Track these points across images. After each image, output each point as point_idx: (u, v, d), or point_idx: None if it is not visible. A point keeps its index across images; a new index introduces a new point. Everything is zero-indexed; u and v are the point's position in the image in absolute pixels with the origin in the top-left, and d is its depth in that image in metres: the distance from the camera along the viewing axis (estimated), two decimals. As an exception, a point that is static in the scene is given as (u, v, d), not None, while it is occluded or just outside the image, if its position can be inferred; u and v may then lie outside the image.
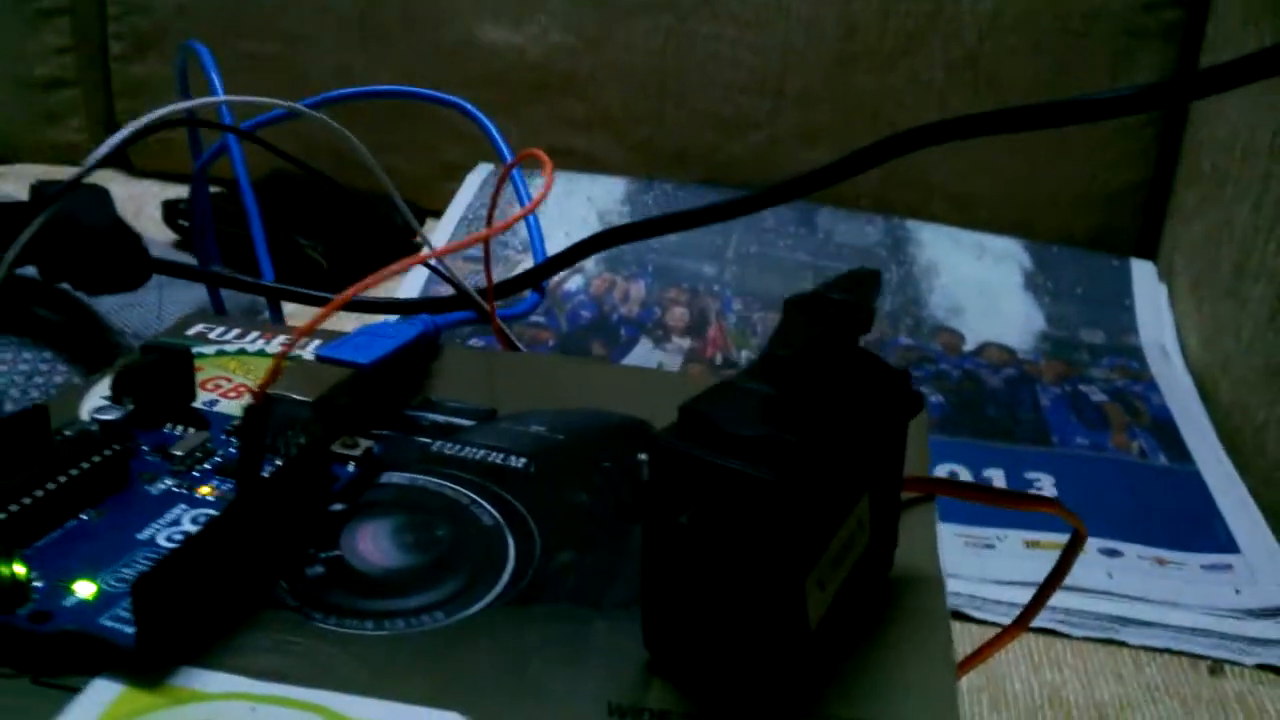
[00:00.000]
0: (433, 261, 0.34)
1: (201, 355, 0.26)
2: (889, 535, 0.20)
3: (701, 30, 0.68)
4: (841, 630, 0.19)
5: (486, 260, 0.35)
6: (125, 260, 0.37)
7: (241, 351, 0.26)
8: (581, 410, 0.26)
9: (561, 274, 0.51)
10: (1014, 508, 0.26)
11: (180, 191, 0.66)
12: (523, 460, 0.24)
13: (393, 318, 0.30)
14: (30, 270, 0.37)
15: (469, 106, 0.39)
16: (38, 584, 0.18)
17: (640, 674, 0.18)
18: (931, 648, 0.19)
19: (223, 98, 0.35)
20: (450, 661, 0.18)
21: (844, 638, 0.19)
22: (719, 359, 0.55)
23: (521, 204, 0.38)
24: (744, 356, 0.55)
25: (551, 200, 0.65)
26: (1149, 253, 0.66)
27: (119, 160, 0.80)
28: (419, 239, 0.36)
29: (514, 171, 0.36)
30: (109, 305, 0.42)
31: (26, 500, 0.19)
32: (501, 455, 0.24)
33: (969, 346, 0.58)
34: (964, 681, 0.35)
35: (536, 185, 0.65)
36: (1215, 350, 0.54)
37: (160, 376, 0.23)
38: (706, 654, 0.18)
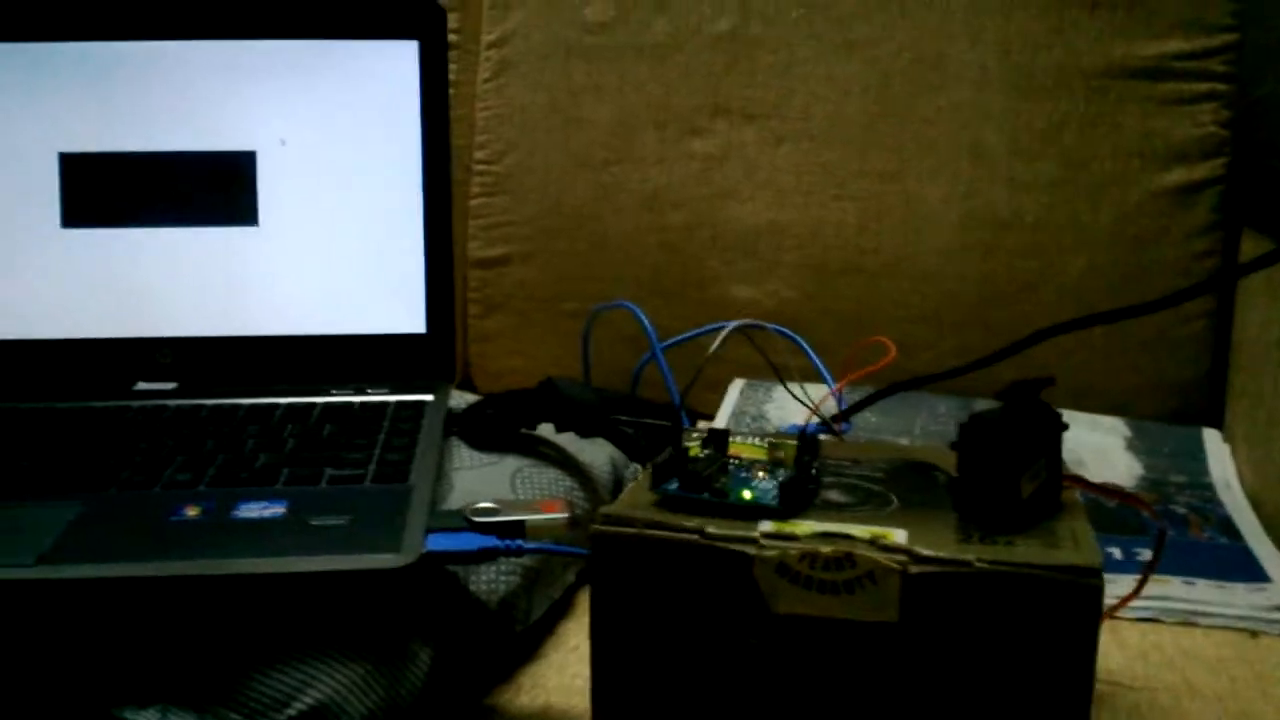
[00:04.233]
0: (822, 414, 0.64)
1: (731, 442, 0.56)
2: (1055, 481, 0.49)
3: (883, 286, 1.00)
4: (1036, 512, 0.47)
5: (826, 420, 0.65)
6: (605, 420, 0.68)
7: (738, 441, 0.57)
8: (892, 455, 0.55)
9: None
10: (1122, 501, 0.54)
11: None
12: (880, 473, 0.53)
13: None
14: (546, 427, 0.69)
15: (797, 338, 0.70)
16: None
17: (959, 520, 0.47)
18: (1080, 522, 0.47)
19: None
20: (892, 519, 0.47)
21: (1037, 516, 0.47)
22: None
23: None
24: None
25: (789, 396, 0.95)
26: (1215, 423, 0.93)
27: (467, 384, 1.14)
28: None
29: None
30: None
31: (719, 481, 0.49)
32: (869, 471, 0.53)
33: (1090, 484, 0.85)
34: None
35: (777, 393, 0.96)
36: (1258, 477, 0.81)
37: (722, 442, 0.53)
38: (985, 509, 0.46)
